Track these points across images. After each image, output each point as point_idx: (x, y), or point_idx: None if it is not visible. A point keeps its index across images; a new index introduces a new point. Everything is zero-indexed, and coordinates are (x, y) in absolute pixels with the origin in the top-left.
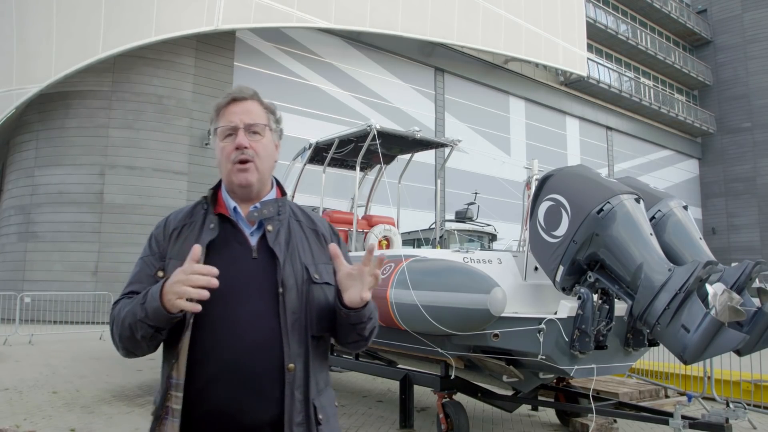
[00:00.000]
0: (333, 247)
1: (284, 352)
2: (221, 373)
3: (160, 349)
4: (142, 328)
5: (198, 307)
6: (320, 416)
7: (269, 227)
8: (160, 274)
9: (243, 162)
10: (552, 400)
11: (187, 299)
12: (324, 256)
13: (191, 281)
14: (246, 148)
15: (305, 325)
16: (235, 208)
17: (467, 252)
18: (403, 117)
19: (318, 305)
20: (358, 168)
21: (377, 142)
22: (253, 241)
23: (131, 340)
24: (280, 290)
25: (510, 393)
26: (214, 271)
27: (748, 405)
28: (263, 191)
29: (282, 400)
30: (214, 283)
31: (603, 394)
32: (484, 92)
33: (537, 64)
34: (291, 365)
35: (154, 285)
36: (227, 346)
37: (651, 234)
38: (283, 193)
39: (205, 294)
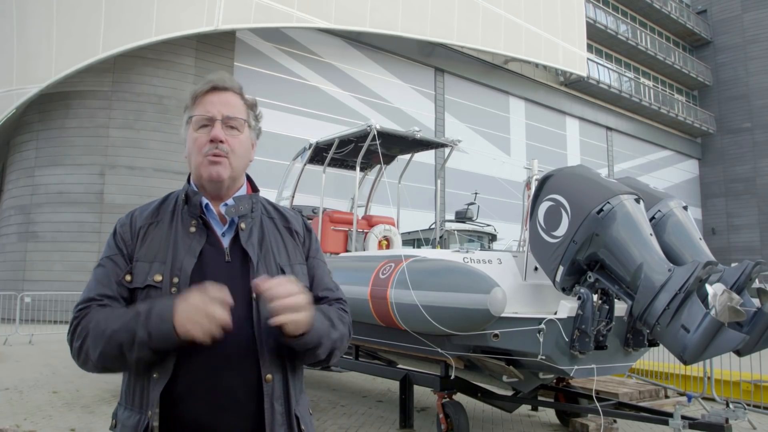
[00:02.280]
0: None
1: (260, 363)
2: (195, 388)
3: None
4: (140, 350)
5: (209, 339)
6: (303, 427)
7: (242, 225)
8: (128, 278)
9: (216, 156)
10: (552, 400)
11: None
12: (299, 255)
13: (210, 313)
14: (221, 142)
15: (281, 333)
16: (207, 205)
17: (467, 252)
18: (403, 117)
19: None
20: (358, 168)
21: (377, 142)
22: (226, 242)
23: (118, 360)
24: (254, 296)
25: (510, 393)
26: (229, 301)
27: (748, 405)
28: (234, 188)
29: (259, 414)
30: (228, 325)
31: (603, 394)
32: (484, 92)
33: (537, 65)
34: (269, 376)
35: (149, 299)
36: (200, 359)
37: (651, 234)
38: (254, 189)
39: (219, 331)
